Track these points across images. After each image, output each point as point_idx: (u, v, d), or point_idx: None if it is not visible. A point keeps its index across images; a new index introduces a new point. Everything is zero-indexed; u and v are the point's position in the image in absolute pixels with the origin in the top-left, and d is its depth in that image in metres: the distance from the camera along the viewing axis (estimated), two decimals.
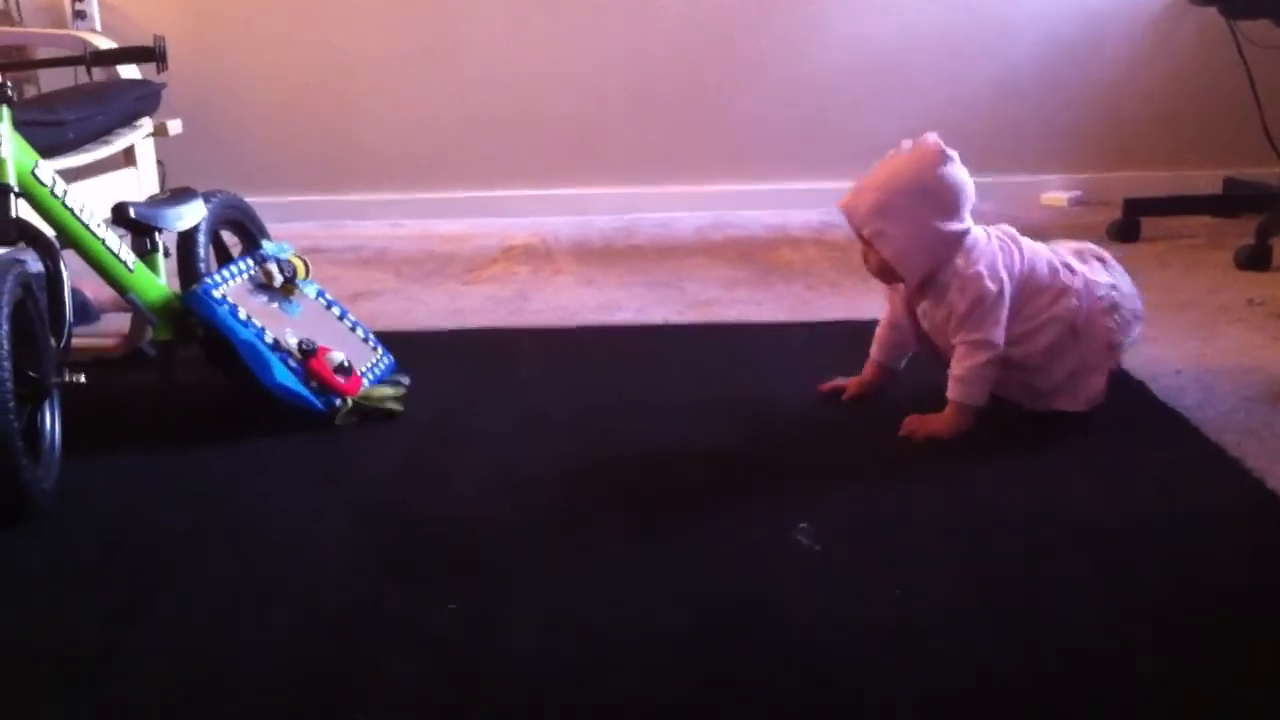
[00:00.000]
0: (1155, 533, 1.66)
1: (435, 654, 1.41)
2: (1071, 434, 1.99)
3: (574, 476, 1.91)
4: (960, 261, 1.98)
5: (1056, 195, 3.97)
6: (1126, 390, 2.14)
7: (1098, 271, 2.06)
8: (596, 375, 2.38)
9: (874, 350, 2.18)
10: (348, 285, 3.13)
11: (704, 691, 1.32)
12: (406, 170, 4.10)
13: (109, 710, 1.33)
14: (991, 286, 1.97)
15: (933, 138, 1.99)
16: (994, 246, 2.01)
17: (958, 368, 1.99)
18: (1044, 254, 2.05)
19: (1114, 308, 2.03)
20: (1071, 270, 2.04)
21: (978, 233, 2.01)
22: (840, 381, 2.20)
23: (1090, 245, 2.13)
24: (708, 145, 4.07)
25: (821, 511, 1.73)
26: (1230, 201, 3.67)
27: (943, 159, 1.98)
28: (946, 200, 1.97)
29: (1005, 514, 1.73)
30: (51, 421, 1.91)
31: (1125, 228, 3.42)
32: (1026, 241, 2.06)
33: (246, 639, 1.46)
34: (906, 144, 2.00)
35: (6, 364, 1.71)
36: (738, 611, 1.49)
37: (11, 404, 1.70)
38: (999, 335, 1.98)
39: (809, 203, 3.89)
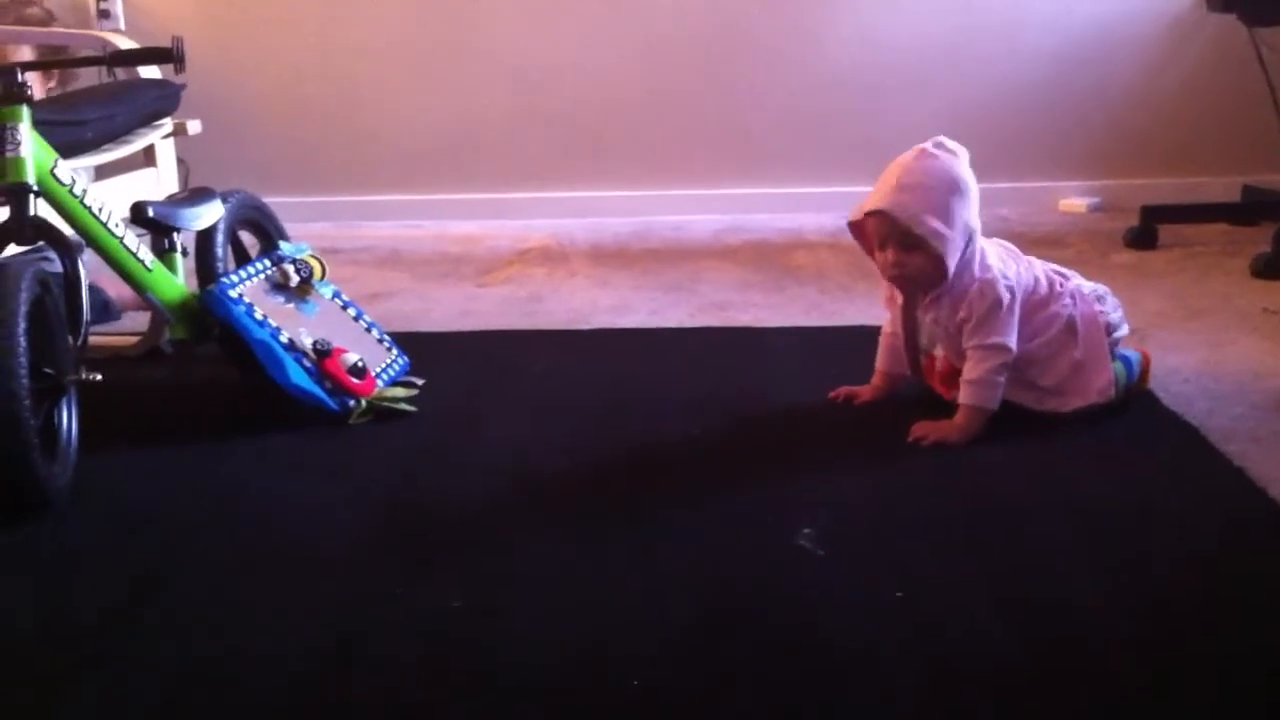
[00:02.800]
0: (1157, 534, 1.66)
1: (440, 646, 1.42)
2: (1078, 438, 1.99)
3: (583, 475, 1.92)
4: (978, 266, 1.99)
5: (1075, 202, 3.97)
6: (1135, 397, 2.14)
7: (1078, 279, 2.12)
8: (608, 377, 2.40)
9: (880, 360, 2.19)
10: (364, 285, 3.16)
11: (707, 683, 1.33)
12: (423, 171, 4.13)
13: (117, 698, 1.34)
14: (1005, 294, 1.99)
15: (944, 139, 2.01)
16: (1000, 252, 2.05)
17: (972, 372, 2.00)
18: (1038, 264, 2.10)
19: (1102, 299, 2.09)
20: (1065, 276, 2.09)
21: (980, 239, 2.03)
22: (850, 389, 2.20)
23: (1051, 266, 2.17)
24: (723, 149, 4.09)
25: (827, 508, 1.75)
26: (1248, 209, 3.66)
27: (964, 155, 2.01)
28: (972, 197, 2.00)
29: (1011, 512, 1.74)
30: (68, 418, 1.93)
31: (1142, 235, 3.41)
32: (1013, 249, 2.11)
33: (254, 629, 1.47)
34: (926, 144, 1.99)
35: (24, 361, 1.73)
36: (742, 605, 1.50)
37: (29, 401, 1.73)
38: (1012, 340, 1.99)
39: (823, 206, 3.90)
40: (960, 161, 1.99)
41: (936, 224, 1.94)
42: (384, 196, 4.13)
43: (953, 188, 1.97)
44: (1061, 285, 2.07)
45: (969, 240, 1.99)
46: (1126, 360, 2.13)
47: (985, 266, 2.00)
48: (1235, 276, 3.04)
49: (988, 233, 2.08)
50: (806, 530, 1.68)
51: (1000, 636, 1.42)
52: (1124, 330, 2.13)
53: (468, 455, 2.02)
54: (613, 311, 2.90)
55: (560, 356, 2.55)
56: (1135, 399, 2.13)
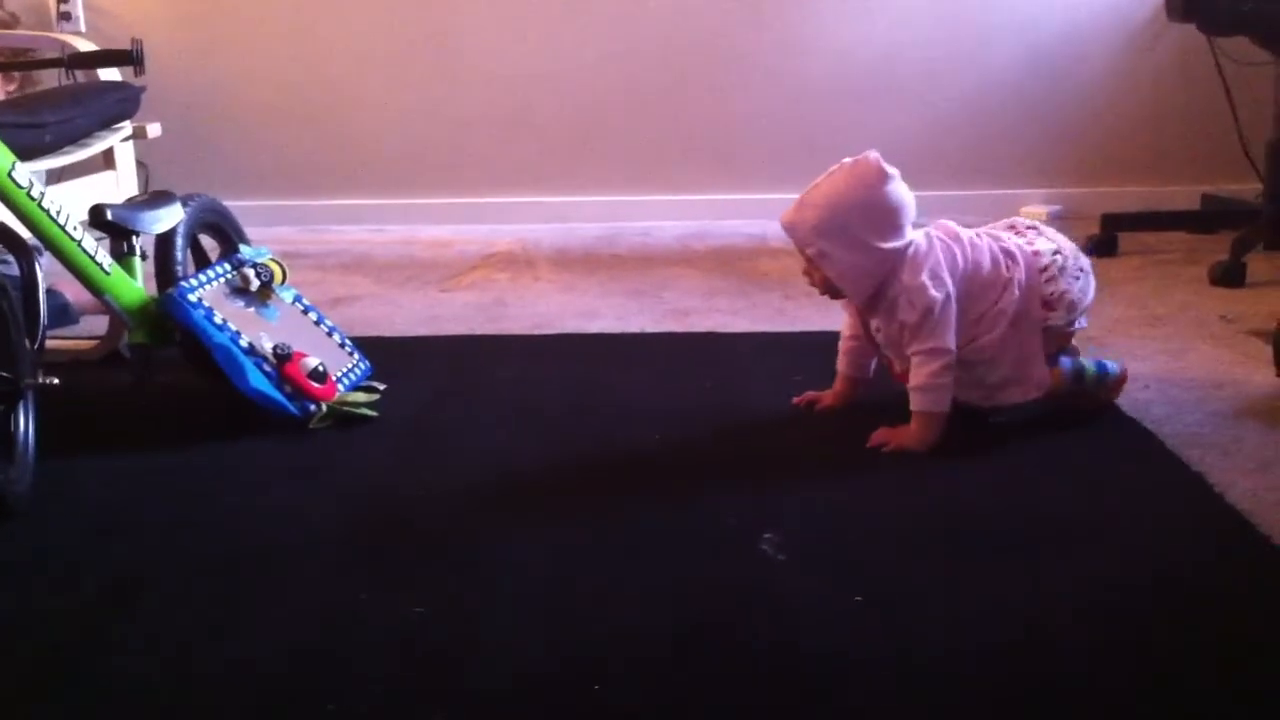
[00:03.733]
0: (1117, 545, 1.67)
1: (410, 651, 1.42)
2: (1039, 443, 2.01)
3: (548, 480, 1.92)
4: (905, 275, 1.98)
5: (1036, 209, 3.99)
6: (1099, 407, 2.16)
7: (1037, 241, 2.07)
8: (574, 382, 2.39)
9: (840, 364, 2.20)
10: (328, 290, 3.14)
11: (671, 688, 1.33)
12: (389, 175, 4.11)
13: (89, 706, 1.33)
14: (937, 294, 1.97)
15: (874, 155, 1.99)
16: (936, 251, 2.01)
17: (916, 378, 2.00)
18: (985, 247, 2.05)
19: (1061, 271, 2.04)
20: (1013, 258, 2.04)
21: (918, 238, 2.02)
22: (813, 394, 2.21)
23: (1018, 219, 2.15)
24: (691, 154, 4.09)
25: (792, 516, 1.75)
26: (1207, 218, 3.70)
27: (884, 178, 1.98)
28: (888, 220, 1.98)
29: (973, 519, 1.75)
30: (26, 423, 1.91)
31: (1103, 243, 3.44)
32: (968, 235, 2.06)
33: (222, 636, 1.47)
34: (847, 161, 2.01)
35: None
36: (705, 611, 1.50)
37: None
38: (950, 340, 1.99)
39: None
40: (881, 181, 1.97)
41: (824, 245, 1.98)
42: (349, 201, 4.12)
43: (852, 208, 1.97)
44: (1009, 270, 2.02)
45: (886, 257, 1.97)
46: (1102, 365, 2.13)
47: (914, 272, 1.98)
48: (1194, 284, 3.07)
49: None
50: (767, 535, 1.68)
51: (961, 646, 1.43)
52: (1091, 293, 2.08)
53: (433, 460, 2.02)
54: (578, 317, 2.90)
55: (525, 362, 2.55)
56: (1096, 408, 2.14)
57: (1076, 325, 2.10)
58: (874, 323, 2.07)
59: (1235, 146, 3.60)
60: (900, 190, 1.99)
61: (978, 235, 2.08)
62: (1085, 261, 2.09)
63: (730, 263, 3.44)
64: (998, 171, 4.02)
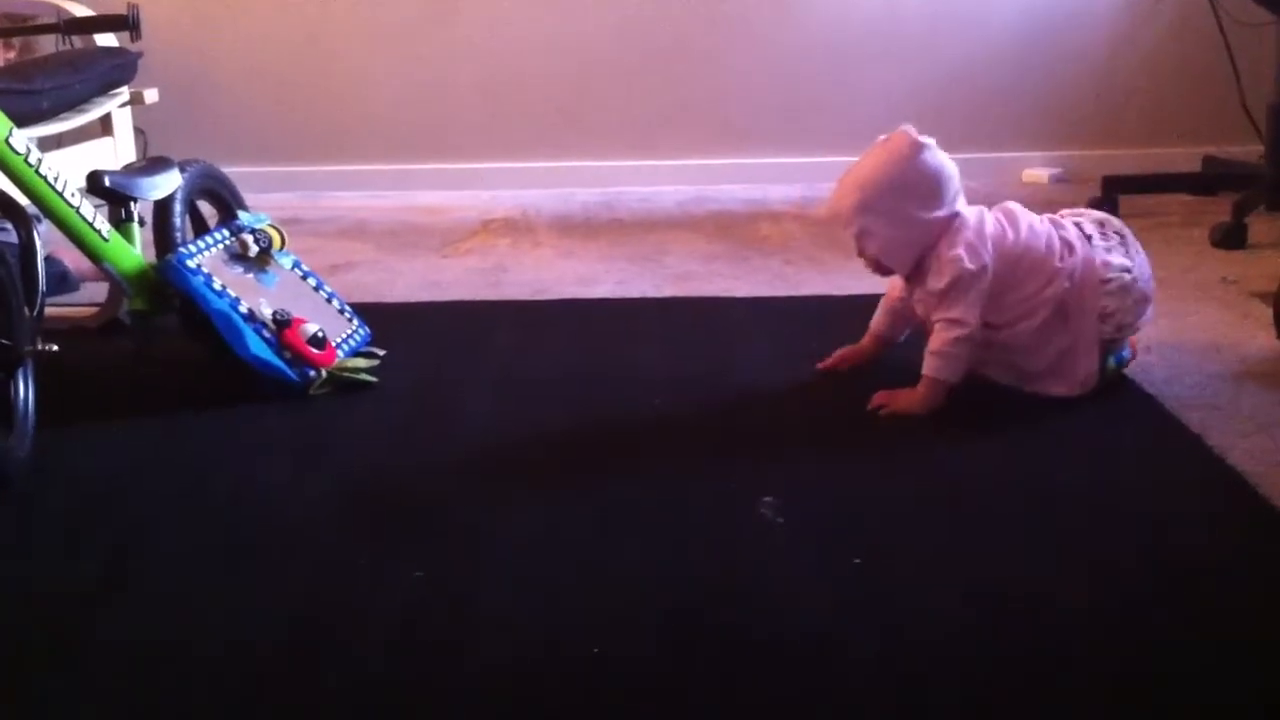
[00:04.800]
0: (1117, 507, 1.68)
1: (409, 622, 1.42)
2: (1039, 409, 2.00)
3: (549, 447, 1.92)
4: (944, 245, 1.98)
5: (1037, 173, 3.99)
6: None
7: (1114, 251, 2.03)
8: (574, 348, 2.39)
9: (875, 322, 2.20)
10: (326, 256, 3.14)
11: (671, 661, 1.34)
12: (388, 141, 4.09)
13: (84, 681, 1.33)
14: (970, 265, 1.96)
15: (906, 128, 2.00)
16: (985, 227, 2.00)
17: (933, 343, 2.00)
18: (1045, 232, 2.03)
19: (1123, 290, 2.00)
20: (1071, 250, 2.01)
21: (969, 213, 2.01)
22: (842, 353, 2.21)
23: (1115, 220, 2.11)
24: (690, 118, 4.07)
25: (792, 481, 1.75)
26: (1208, 180, 3.68)
27: (917, 149, 1.98)
28: (926, 189, 1.98)
29: (975, 482, 1.75)
30: (25, 390, 1.91)
31: (1103, 205, 3.42)
32: (1027, 218, 2.04)
33: (222, 609, 1.47)
34: (882, 138, 2.01)
35: None
36: (704, 577, 1.50)
37: None
38: (973, 314, 1.98)
39: (789, 177, 3.90)
40: (914, 152, 1.98)
41: (864, 222, 2.00)
42: (347, 167, 4.10)
43: (888, 183, 1.98)
44: (1064, 260, 2.00)
45: (928, 227, 1.98)
46: (1120, 359, 2.10)
47: (952, 244, 1.97)
48: (1195, 247, 3.06)
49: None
50: (767, 500, 1.68)
51: (963, 617, 1.43)
52: (1146, 318, 2.06)
53: (433, 427, 2.02)
54: (578, 283, 2.90)
55: (526, 328, 2.54)
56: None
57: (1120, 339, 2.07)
58: (914, 294, 2.07)
59: (1237, 108, 3.58)
60: (936, 159, 1.99)
61: (1042, 220, 2.06)
62: (1151, 289, 2.06)
63: (730, 227, 3.43)
64: (998, 134, 4.00)
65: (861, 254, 2.08)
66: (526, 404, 2.10)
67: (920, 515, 1.66)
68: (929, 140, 2.00)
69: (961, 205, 2.01)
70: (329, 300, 2.37)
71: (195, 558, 1.60)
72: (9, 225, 1.97)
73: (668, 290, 2.81)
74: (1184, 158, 3.83)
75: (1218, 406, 2.00)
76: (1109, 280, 2.00)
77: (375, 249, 3.27)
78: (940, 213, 1.98)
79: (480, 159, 4.09)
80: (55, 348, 1.94)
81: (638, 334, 2.49)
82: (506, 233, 3.44)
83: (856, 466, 1.83)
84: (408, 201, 3.90)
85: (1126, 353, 2.12)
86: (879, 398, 2.01)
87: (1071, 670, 1.30)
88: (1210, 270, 2.83)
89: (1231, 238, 3.04)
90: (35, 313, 1.94)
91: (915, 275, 2.04)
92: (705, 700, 1.27)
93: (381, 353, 2.31)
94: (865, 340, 2.21)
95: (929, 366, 2.00)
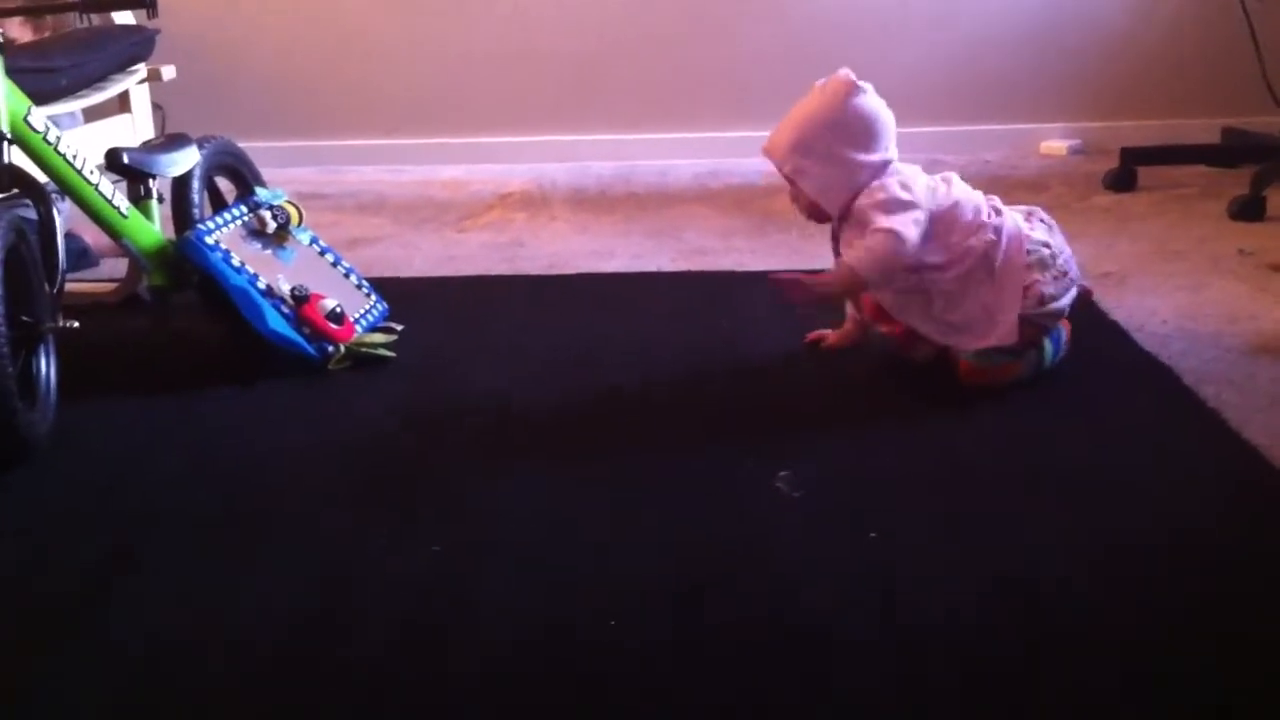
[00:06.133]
0: (1132, 481, 1.68)
1: (421, 597, 1.44)
2: (1053, 381, 2.01)
3: (563, 423, 1.93)
4: (875, 184, 1.99)
5: (1056, 144, 3.97)
6: (1111, 339, 2.16)
7: (1038, 230, 2.03)
8: (589, 322, 2.40)
9: (851, 306, 2.20)
10: (345, 231, 3.15)
11: (685, 638, 1.34)
12: (405, 115, 4.10)
13: (98, 655, 1.35)
14: (903, 194, 1.97)
15: (844, 72, 2.02)
16: (919, 178, 2.01)
17: (862, 244, 1.97)
18: (976, 196, 2.03)
19: (1042, 264, 1.98)
20: (999, 213, 2.01)
21: (904, 166, 2.02)
22: (823, 332, 2.22)
23: (1040, 210, 2.09)
24: (707, 91, 4.06)
25: (804, 460, 1.75)
26: (1227, 151, 3.67)
27: (853, 90, 2.00)
28: (860, 130, 2.00)
29: (990, 456, 1.76)
30: (46, 365, 1.94)
31: (1121, 177, 3.42)
32: (961, 185, 2.04)
33: (238, 584, 1.48)
34: (820, 82, 2.03)
35: (0, 308, 1.73)
36: (717, 551, 1.51)
37: (6, 348, 1.73)
38: (912, 232, 1.94)
39: None
40: (850, 93, 2.00)
41: (800, 161, 2.02)
42: (365, 141, 4.11)
43: (823, 122, 2.00)
44: (991, 217, 2.00)
45: (862, 169, 1.99)
46: (1056, 339, 2.05)
47: (884, 184, 1.98)
48: (1213, 219, 3.04)
49: (970, 176, 2.08)
50: (783, 474, 1.69)
51: (970, 593, 1.44)
52: (1063, 302, 2.01)
53: (450, 401, 2.03)
54: (594, 257, 2.90)
55: (542, 302, 2.55)
56: (1109, 342, 2.13)
57: (1048, 325, 2.02)
58: (846, 235, 2.04)
59: (1257, 79, 3.55)
60: (871, 102, 2.01)
61: (974, 190, 2.06)
62: (1074, 270, 2.03)
63: (747, 201, 3.43)
64: (1016, 106, 3.98)
65: (795, 199, 2.09)
66: (542, 379, 2.12)
67: (936, 489, 1.66)
68: (866, 85, 2.01)
69: (896, 156, 2.02)
70: (346, 276, 2.39)
71: (210, 530, 1.62)
72: (29, 203, 1.98)
73: (683, 264, 2.81)
74: (1203, 129, 3.81)
75: (1233, 380, 1.99)
76: (1029, 252, 1.98)
77: (393, 223, 3.28)
78: (874, 156, 2.00)
79: (497, 133, 4.09)
80: (76, 324, 1.97)
81: (653, 308, 2.49)
82: (523, 207, 3.45)
83: (873, 440, 1.84)
84: (425, 176, 3.91)
85: (1060, 339, 2.06)
86: (813, 335, 2.13)
87: (1084, 646, 1.31)
88: (1228, 242, 2.82)
89: (1250, 210, 3.02)
90: (55, 289, 1.96)
91: (846, 221, 2.04)
92: (717, 677, 1.28)
93: (399, 328, 2.32)
94: (846, 324, 2.21)
95: (849, 256, 1.99)
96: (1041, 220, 2.06)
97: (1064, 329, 2.07)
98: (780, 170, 2.06)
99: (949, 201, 2.01)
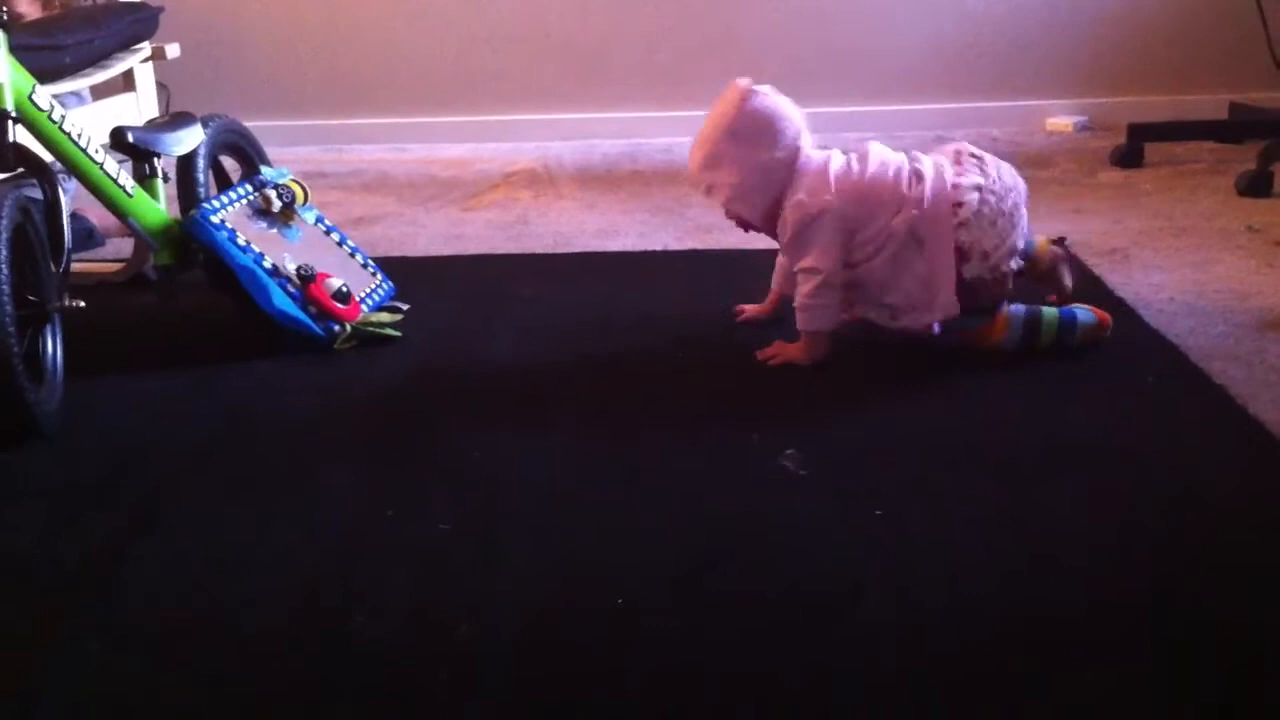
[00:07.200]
0: (1139, 457, 1.67)
1: (434, 567, 1.44)
2: (1059, 358, 2.00)
3: (569, 401, 1.93)
4: (789, 191, 2.01)
5: (1062, 121, 3.96)
6: (1118, 315, 2.15)
7: (969, 174, 1.97)
8: (595, 300, 2.40)
9: (775, 280, 2.22)
10: (350, 210, 3.15)
11: (692, 614, 1.35)
12: (410, 93, 4.09)
13: (113, 628, 1.36)
14: (811, 209, 1.98)
15: (740, 80, 2.03)
16: (828, 167, 2.01)
17: (798, 297, 2.02)
18: (895, 164, 2.01)
19: (975, 218, 1.93)
20: (920, 178, 1.98)
21: (816, 155, 2.03)
22: (744, 307, 2.27)
23: (967, 146, 2.05)
24: (714, 69, 4.01)
25: (811, 435, 1.76)
26: (1234, 127, 3.65)
27: (746, 96, 2.01)
28: (758, 132, 2.01)
29: (996, 433, 1.76)
30: (53, 345, 1.94)
31: (1129, 153, 3.40)
32: (881, 154, 2.03)
33: (251, 560, 1.49)
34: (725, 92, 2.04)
35: (7, 288, 1.73)
36: (725, 529, 1.52)
37: (12, 327, 1.73)
38: (826, 259, 1.98)
39: (811, 127, 3.87)
40: (744, 98, 2.01)
41: (708, 177, 2.05)
42: (370, 120, 4.10)
43: (721, 134, 2.02)
44: (912, 188, 1.97)
45: (771, 169, 2.00)
46: (1069, 314, 2.03)
47: (795, 190, 2.00)
48: (1221, 195, 3.04)
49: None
50: (789, 452, 1.69)
51: (979, 567, 1.44)
52: (1012, 241, 1.95)
53: (456, 380, 2.03)
54: (600, 235, 2.90)
55: (548, 281, 2.55)
56: (1116, 318, 2.12)
57: (1007, 271, 1.97)
58: (783, 257, 2.11)
59: (1264, 54, 3.53)
60: (767, 102, 2.02)
61: (900, 155, 2.04)
62: (1013, 203, 1.96)
63: None
64: (1022, 82, 3.97)
65: (728, 216, 2.11)
66: (548, 357, 2.12)
67: (943, 466, 1.66)
68: (763, 88, 2.02)
69: (807, 147, 2.03)
70: (352, 255, 2.38)
71: (220, 507, 1.62)
72: (35, 182, 1.98)
73: (689, 242, 2.81)
74: (1211, 105, 3.80)
75: (1241, 356, 1.99)
76: (961, 205, 1.93)
77: (398, 202, 3.28)
78: (778, 154, 2.00)
79: (502, 111, 4.09)
80: (82, 303, 1.97)
81: (659, 286, 2.49)
82: (528, 185, 3.44)
83: (879, 418, 1.84)
84: (430, 154, 3.90)
85: (1083, 315, 2.03)
86: (770, 350, 2.06)
87: (1093, 621, 1.31)
88: (1235, 218, 2.81)
89: (1257, 186, 3.01)
90: (62, 269, 1.96)
91: (771, 226, 2.07)
92: (725, 652, 1.28)
93: (405, 307, 2.32)
94: (769, 297, 2.24)
95: (799, 320, 2.02)
96: (971, 155, 2.02)
97: (1092, 312, 2.04)
98: (700, 192, 2.08)
99: (865, 183, 1.99)
